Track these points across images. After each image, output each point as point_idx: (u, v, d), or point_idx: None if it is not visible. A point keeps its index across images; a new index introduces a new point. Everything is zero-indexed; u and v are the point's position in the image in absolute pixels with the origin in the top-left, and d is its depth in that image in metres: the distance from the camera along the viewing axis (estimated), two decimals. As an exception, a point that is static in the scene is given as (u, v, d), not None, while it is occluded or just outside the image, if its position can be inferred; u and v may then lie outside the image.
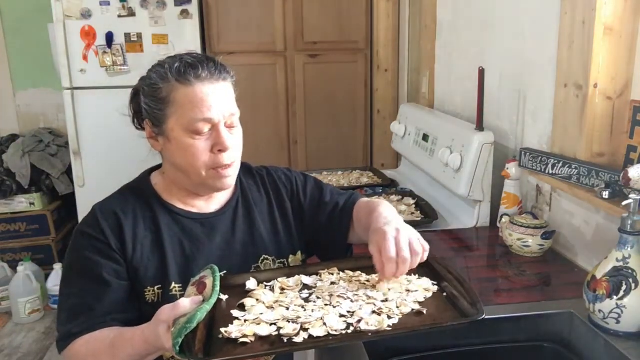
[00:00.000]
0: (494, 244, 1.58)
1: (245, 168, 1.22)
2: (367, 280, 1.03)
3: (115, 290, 1.03)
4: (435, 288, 0.98)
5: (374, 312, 0.89)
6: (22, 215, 3.15)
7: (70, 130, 2.89)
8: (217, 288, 0.89)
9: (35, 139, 3.28)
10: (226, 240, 1.12)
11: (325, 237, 1.20)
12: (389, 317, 0.87)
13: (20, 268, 2.84)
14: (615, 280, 1.00)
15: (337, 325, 0.85)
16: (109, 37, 2.83)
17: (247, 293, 0.99)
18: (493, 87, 1.78)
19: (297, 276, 1.05)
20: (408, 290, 0.97)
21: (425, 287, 0.98)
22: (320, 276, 1.05)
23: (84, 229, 1.07)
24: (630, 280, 0.99)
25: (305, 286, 1.02)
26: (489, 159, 1.66)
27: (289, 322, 0.86)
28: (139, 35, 2.85)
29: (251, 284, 1.03)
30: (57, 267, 2.91)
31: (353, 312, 0.89)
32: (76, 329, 0.99)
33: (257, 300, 0.95)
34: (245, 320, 0.88)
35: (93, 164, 2.93)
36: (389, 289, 0.97)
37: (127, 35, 2.84)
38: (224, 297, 0.98)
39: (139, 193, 1.12)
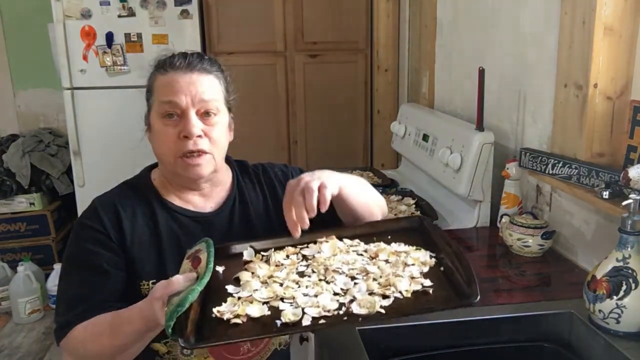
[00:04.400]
0: (494, 244, 1.58)
1: (241, 166, 1.24)
2: (365, 251, 1.02)
3: (114, 280, 1.05)
4: (433, 261, 0.96)
5: (369, 291, 0.87)
6: (22, 215, 3.15)
7: (70, 130, 2.89)
8: (211, 265, 0.88)
9: (35, 139, 3.28)
10: (223, 238, 1.13)
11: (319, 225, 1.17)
12: (384, 297, 0.85)
13: (20, 268, 2.84)
14: (615, 280, 1.00)
15: (330, 305, 0.84)
16: (109, 37, 2.83)
17: (244, 264, 0.99)
18: (493, 87, 1.78)
19: (293, 256, 1.02)
20: (405, 264, 0.95)
21: (422, 261, 0.96)
22: (320, 247, 1.04)
23: (84, 221, 1.09)
24: (630, 280, 0.99)
25: (304, 257, 1.02)
26: (489, 159, 1.66)
27: (284, 301, 0.86)
28: (139, 35, 2.85)
29: (248, 254, 1.03)
30: (57, 267, 2.91)
31: (347, 290, 0.88)
32: (74, 318, 1.01)
33: (253, 274, 0.95)
34: (238, 298, 0.88)
35: (93, 164, 2.93)
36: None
37: (127, 35, 2.84)
38: (221, 269, 0.98)
39: (138, 189, 1.14)
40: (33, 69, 3.47)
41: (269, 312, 0.83)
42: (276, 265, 0.98)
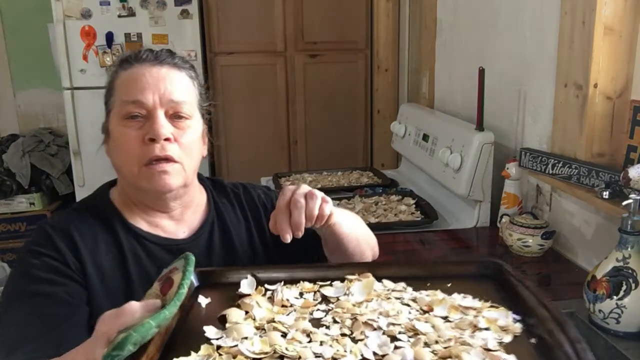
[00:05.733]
0: (494, 244, 1.58)
1: (216, 184, 1.08)
2: (414, 300, 0.73)
3: (73, 314, 0.83)
4: (518, 328, 0.65)
5: None
6: (22, 215, 3.15)
7: (70, 130, 2.90)
8: (182, 291, 0.65)
9: (35, 139, 3.28)
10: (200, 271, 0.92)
11: (305, 255, 1.01)
12: None
13: (20, 268, 2.84)
14: (615, 280, 1.00)
15: None
16: (109, 37, 2.83)
17: (239, 298, 0.75)
18: (493, 87, 1.78)
19: (309, 295, 0.77)
20: (475, 327, 0.65)
21: (502, 325, 0.65)
22: (348, 286, 0.77)
23: (33, 248, 0.88)
24: (630, 280, 0.99)
25: (324, 299, 0.75)
26: (489, 159, 1.66)
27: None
28: (139, 35, 2.85)
29: (246, 285, 0.78)
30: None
31: (383, 357, 0.59)
32: None
33: (247, 313, 0.70)
34: (217, 347, 0.62)
35: (93, 164, 2.92)
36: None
37: (127, 35, 2.84)
38: (205, 301, 0.75)
39: (97, 211, 0.95)
40: (33, 69, 3.47)
41: None
42: (283, 306, 0.72)
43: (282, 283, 0.79)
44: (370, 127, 3.27)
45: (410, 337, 0.63)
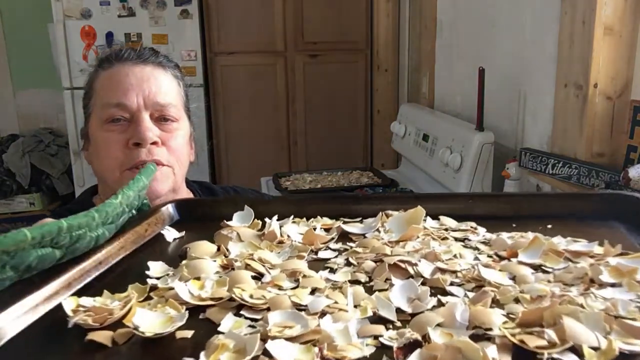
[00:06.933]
0: (494, 244, 1.58)
1: (204, 188, 1.03)
2: (486, 243, 0.50)
3: None
4: None
5: (477, 331, 0.35)
6: (22, 215, 3.15)
7: (70, 130, 2.90)
8: (113, 201, 0.51)
9: (35, 139, 3.28)
10: None
11: None
12: (519, 354, 0.32)
13: (20, 268, 2.84)
14: (615, 280, 1.00)
15: (345, 348, 0.34)
16: (109, 37, 2.83)
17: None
18: (493, 87, 1.78)
19: (321, 231, 0.55)
20: (591, 282, 0.42)
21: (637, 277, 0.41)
22: (383, 221, 0.55)
23: None
24: (630, 280, 0.99)
25: (343, 236, 0.55)
26: (489, 159, 1.66)
27: (241, 313, 0.40)
28: (139, 35, 2.85)
29: (238, 218, 0.59)
30: (57, 267, 2.91)
31: (412, 317, 0.37)
32: None
33: (219, 249, 0.52)
34: (150, 289, 0.45)
35: (93, 164, 2.92)
36: None
37: (127, 35, 2.85)
38: (173, 235, 0.58)
39: None
40: (33, 69, 3.47)
41: (190, 334, 0.38)
42: (280, 242, 0.53)
43: (292, 217, 0.59)
44: (370, 127, 3.27)
45: (470, 290, 0.41)
